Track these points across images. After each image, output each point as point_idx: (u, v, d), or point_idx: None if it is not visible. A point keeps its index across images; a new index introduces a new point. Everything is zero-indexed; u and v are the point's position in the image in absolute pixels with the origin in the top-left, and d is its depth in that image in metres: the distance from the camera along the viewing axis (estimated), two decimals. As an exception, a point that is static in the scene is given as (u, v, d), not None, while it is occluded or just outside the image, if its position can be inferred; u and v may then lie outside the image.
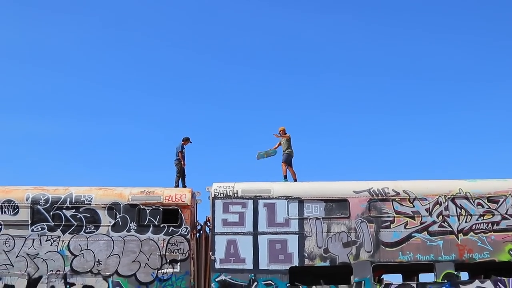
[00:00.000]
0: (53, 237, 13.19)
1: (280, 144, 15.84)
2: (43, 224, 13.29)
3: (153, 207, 13.51)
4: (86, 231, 13.27)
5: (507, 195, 13.89)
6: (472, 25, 40.78)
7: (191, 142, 16.15)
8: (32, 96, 38.05)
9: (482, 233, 13.55)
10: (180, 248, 13.23)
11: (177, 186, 15.24)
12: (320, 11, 42.20)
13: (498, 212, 13.75)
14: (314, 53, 41.88)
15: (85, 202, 13.50)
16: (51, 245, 13.12)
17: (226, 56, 42.11)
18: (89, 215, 13.40)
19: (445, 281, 13.08)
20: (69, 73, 39.76)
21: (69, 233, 13.24)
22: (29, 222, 13.27)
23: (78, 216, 13.39)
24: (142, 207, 13.49)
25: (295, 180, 15.16)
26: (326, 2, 41.95)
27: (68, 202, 13.49)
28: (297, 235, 13.34)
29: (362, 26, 41.79)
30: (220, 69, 41.83)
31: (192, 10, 42.54)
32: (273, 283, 12.91)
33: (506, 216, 13.72)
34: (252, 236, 13.29)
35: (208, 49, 42.17)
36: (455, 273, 13.21)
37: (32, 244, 13.10)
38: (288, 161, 15.40)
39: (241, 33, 42.16)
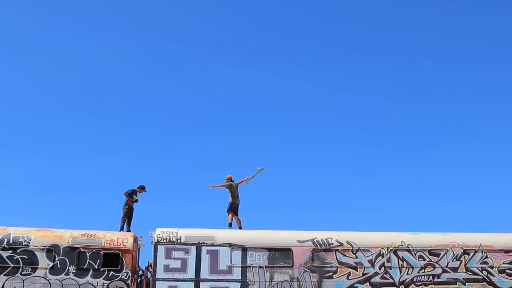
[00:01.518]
0: (-13, 278, 12.74)
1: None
2: None
3: (94, 250, 13.22)
4: (23, 273, 12.85)
5: (448, 249, 14.17)
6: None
7: (145, 191, 15.87)
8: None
9: (423, 286, 13.74)
10: (120, 293, 12.94)
11: (121, 229, 14.98)
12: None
13: (439, 265, 13.99)
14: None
15: (23, 243, 13.11)
16: (-16, 287, 12.68)
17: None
18: (26, 257, 12.99)
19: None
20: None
21: (4, 275, 12.76)
22: (-37, 263, 12.80)
23: (15, 258, 12.97)
24: (82, 250, 13.18)
25: (240, 228, 15.11)
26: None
27: (5, 243, 13.07)
28: (240, 283, 13.23)
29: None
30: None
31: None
32: (214, 333, 12.74)
33: (447, 269, 13.97)
34: (193, 283, 13.10)
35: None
36: (397, 325, 13.30)
37: (-35, 286, 12.63)
38: (233, 209, 15.39)
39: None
